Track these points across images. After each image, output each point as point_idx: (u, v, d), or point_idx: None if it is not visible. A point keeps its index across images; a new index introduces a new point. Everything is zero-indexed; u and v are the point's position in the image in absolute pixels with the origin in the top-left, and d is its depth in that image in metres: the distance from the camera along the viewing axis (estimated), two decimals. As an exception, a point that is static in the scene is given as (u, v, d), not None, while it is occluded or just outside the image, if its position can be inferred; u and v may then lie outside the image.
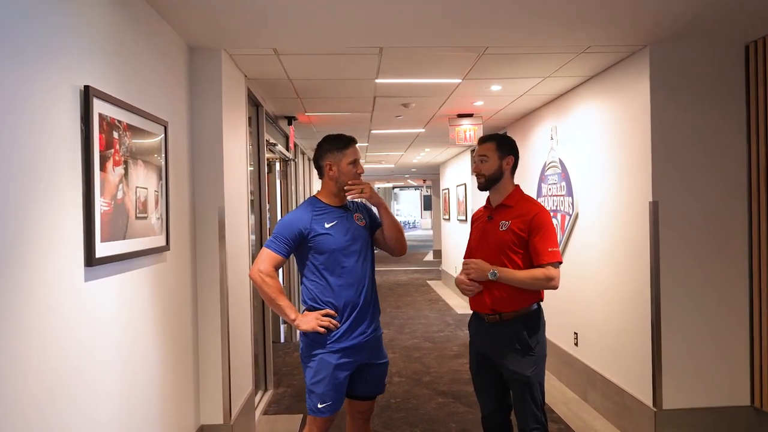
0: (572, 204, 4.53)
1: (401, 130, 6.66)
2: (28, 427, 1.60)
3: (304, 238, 2.49)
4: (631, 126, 3.59)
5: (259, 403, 4.33)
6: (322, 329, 2.43)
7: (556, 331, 5.02)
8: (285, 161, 6.56)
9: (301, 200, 7.73)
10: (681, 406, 3.35)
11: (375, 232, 2.67)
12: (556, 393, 4.59)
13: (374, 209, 2.68)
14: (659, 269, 3.35)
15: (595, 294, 4.18)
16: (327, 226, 2.51)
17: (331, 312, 2.47)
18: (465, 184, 9.03)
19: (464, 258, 2.67)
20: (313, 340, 2.49)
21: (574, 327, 4.55)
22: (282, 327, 6.43)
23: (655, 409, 3.35)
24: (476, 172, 2.63)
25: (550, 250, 2.49)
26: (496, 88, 4.46)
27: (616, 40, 3.24)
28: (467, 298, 2.71)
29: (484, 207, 2.74)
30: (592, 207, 4.22)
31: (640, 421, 3.51)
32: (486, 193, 2.71)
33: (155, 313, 2.58)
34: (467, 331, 2.85)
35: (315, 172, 10.26)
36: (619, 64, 3.71)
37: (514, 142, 2.68)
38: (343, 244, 2.50)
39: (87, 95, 1.90)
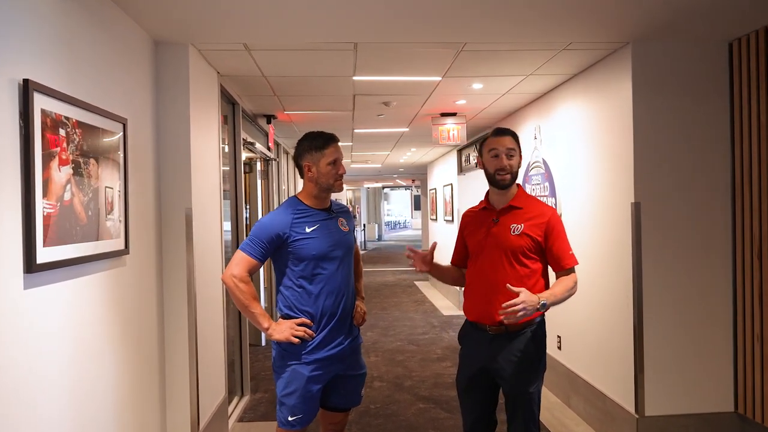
0: (555, 204, 4.45)
1: (385, 129, 6.56)
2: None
3: (282, 243, 2.36)
4: (613, 125, 3.51)
5: (234, 409, 4.21)
6: (297, 340, 2.31)
7: (539, 334, 4.94)
8: (266, 160, 6.44)
9: (284, 200, 7.60)
10: (663, 413, 3.26)
11: None
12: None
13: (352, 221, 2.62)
14: (641, 272, 3.26)
15: (578, 297, 4.08)
16: (308, 230, 2.37)
17: (307, 321, 2.35)
18: (451, 184, 8.94)
19: (461, 261, 2.58)
20: (286, 349, 2.37)
21: (557, 329, 4.46)
22: (263, 330, 6.29)
23: (637, 416, 3.27)
24: (501, 168, 2.35)
25: (570, 253, 2.40)
26: (477, 86, 4.36)
27: (597, 36, 3.15)
28: (454, 299, 2.61)
29: (482, 208, 2.51)
30: (574, 208, 4.13)
31: (621, 427, 3.42)
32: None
33: (112, 319, 2.45)
34: (453, 334, 2.74)
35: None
36: (601, 62, 3.62)
37: None
38: (325, 250, 2.37)
39: (26, 90, 1.77)
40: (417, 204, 27.32)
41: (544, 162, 4.68)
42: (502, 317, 2.16)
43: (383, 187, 26.53)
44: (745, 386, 3.21)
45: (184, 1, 2.52)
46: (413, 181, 18.71)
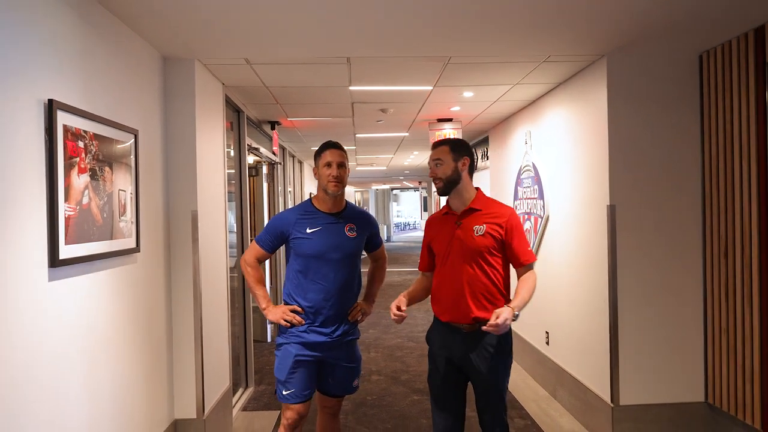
0: (543, 207, 4.66)
1: (385, 134, 6.80)
2: (6, 426, 1.75)
3: (285, 239, 2.65)
4: (591, 132, 3.73)
5: (238, 399, 4.47)
6: (286, 323, 2.60)
7: (529, 330, 5.16)
8: (271, 164, 6.71)
9: (289, 201, 7.88)
10: (637, 402, 3.47)
11: (367, 246, 2.83)
12: (529, 391, 4.72)
13: (373, 230, 2.81)
14: (616, 271, 3.48)
15: (563, 295, 4.32)
16: (308, 231, 2.61)
17: (299, 309, 2.61)
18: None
19: (428, 266, 2.65)
20: (281, 330, 2.67)
21: (546, 326, 4.68)
22: (269, 327, 6.57)
23: (612, 405, 3.48)
24: (433, 176, 2.57)
25: (528, 249, 2.51)
26: (468, 94, 4.59)
27: (574, 50, 3.37)
28: None
29: (444, 213, 2.63)
30: (559, 209, 4.35)
31: (599, 416, 3.64)
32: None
33: (124, 311, 2.72)
34: None
35: (305, 174, 10.37)
36: (581, 73, 3.85)
37: (467, 143, 2.67)
38: (320, 251, 2.59)
39: (51, 108, 2.04)
40: (426, 205, 27.49)
41: (534, 166, 4.90)
42: (488, 328, 2.25)
43: (391, 189, 26.75)
44: (714, 377, 3.42)
45: (190, 21, 2.78)
46: (420, 182, 18.92)
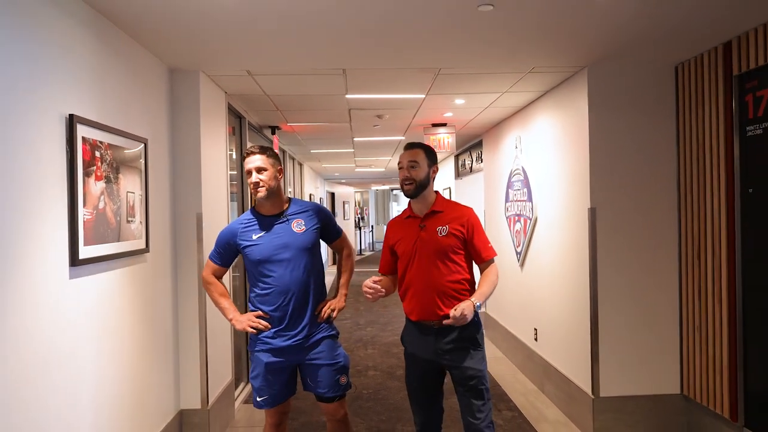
0: (532, 209, 4.87)
1: (382, 137, 7.01)
2: (23, 403, 1.96)
3: (236, 250, 2.68)
4: (574, 137, 3.93)
5: (241, 393, 4.69)
6: (253, 330, 2.60)
7: (519, 326, 5.37)
8: (272, 167, 6.92)
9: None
10: (617, 394, 3.68)
11: (325, 237, 2.80)
12: (518, 385, 4.93)
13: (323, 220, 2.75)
14: (597, 270, 3.69)
15: (550, 293, 4.52)
16: (254, 237, 2.62)
17: (264, 314, 2.61)
18: (450, 187, 9.38)
19: (390, 268, 2.69)
20: (251, 338, 2.68)
21: (534, 323, 4.89)
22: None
23: (593, 397, 3.69)
24: (405, 178, 2.58)
25: (489, 246, 2.62)
26: (460, 101, 4.80)
27: (556, 61, 3.58)
28: None
29: (407, 217, 2.69)
30: (547, 212, 4.56)
31: (581, 408, 3.85)
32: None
33: (135, 307, 2.93)
34: None
35: (304, 175, 10.52)
36: (565, 82, 4.06)
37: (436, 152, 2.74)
38: (270, 253, 2.58)
39: (71, 122, 2.26)
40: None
41: (523, 169, 5.10)
42: (450, 321, 2.39)
43: (391, 189, 26.95)
44: (689, 371, 3.62)
45: (194, 37, 2.99)
46: (419, 183, 19.10)
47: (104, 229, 2.53)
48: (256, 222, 2.66)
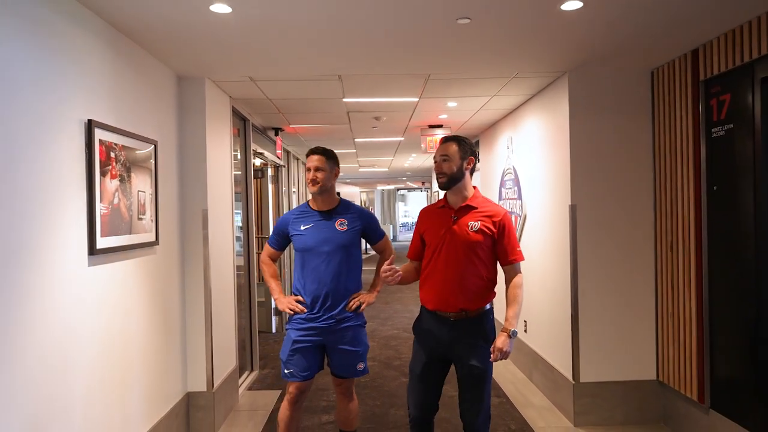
0: (522, 206, 5.11)
1: (382, 138, 7.27)
2: (51, 381, 2.23)
3: (287, 236, 3.05)
4: (558, 138, 4.17)
5: (245, 380, 4.96)
6: (290, 311, 2.97)
7: (511, 320, 5.60)
8: (276, 167, 7.21)
9: (293, 202, 8.37)
10: (596, 380, 3.91)
11: (368, 239, 3.11)
12: (509, 375, 5.17)
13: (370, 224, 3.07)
14: (577, 264, 3.92)
15: (539, 287, 4.76)
16: (302, 228, 2.98)
17: (302, 299, 2.97)
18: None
19: (418, 255, 2.75)
20: (289, 317, 3.04)
21: (524, 316, 5.12)
22: (273, 319, 7.06)
23: (573, 382, 3.92)
24: (438, 171, 2.64)
25: (518, 249, 2.64)
26: (452, 104, 5.04)
27: (538, 67, 3.82)
28: None
29: (441, 206, 2.71)
30: (534, 209, 4.80)
31: (564, 393, 4.09)
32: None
33: (146, 295, 3.21)
34: None
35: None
36: (550, 86, 4.29)
37: (473, 144, 2.75)
38: (312, 245, 2.94)
39: (90, 126, 2.53)
40: (431, 205, 27.77)
41: (514, 169, 5.34)
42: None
43: (397, 189, 27.20)
44: (663, 358, 3.85)
45: (200, 47, 3.25)
46: (423, 183, 19.36)
47: (118, 223, 2.80)
48: (307, 214, 3.01)
